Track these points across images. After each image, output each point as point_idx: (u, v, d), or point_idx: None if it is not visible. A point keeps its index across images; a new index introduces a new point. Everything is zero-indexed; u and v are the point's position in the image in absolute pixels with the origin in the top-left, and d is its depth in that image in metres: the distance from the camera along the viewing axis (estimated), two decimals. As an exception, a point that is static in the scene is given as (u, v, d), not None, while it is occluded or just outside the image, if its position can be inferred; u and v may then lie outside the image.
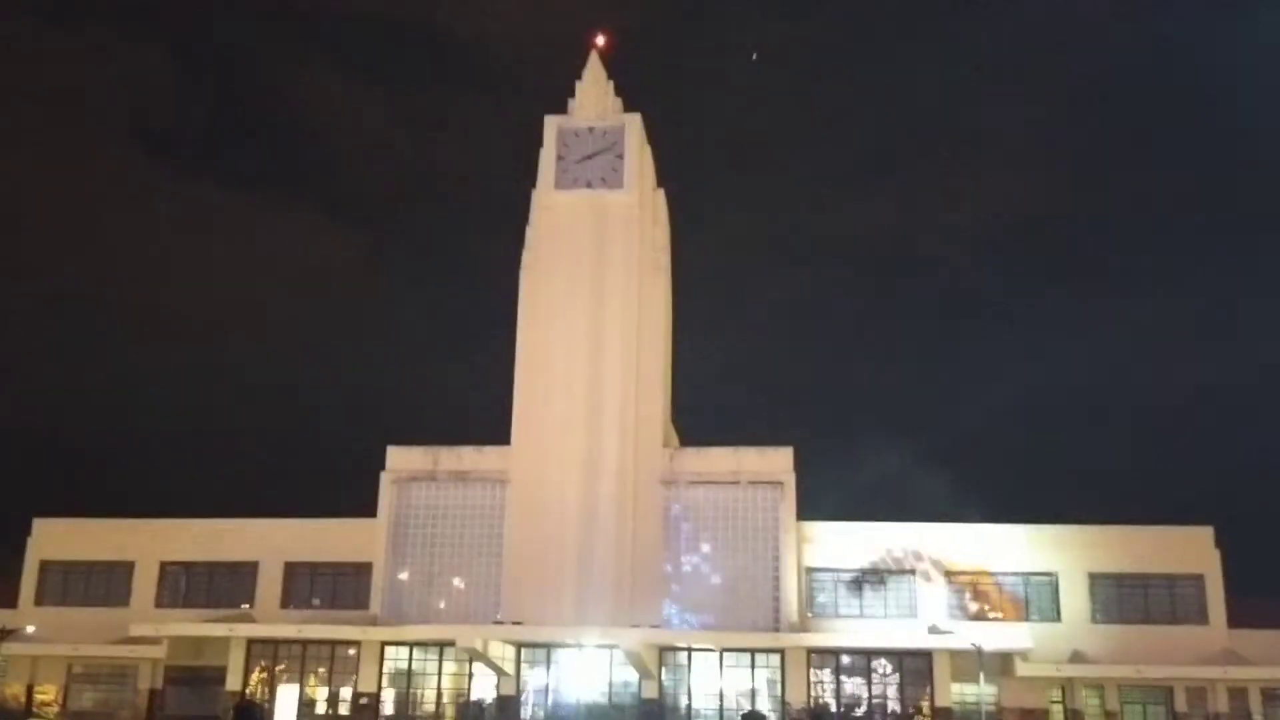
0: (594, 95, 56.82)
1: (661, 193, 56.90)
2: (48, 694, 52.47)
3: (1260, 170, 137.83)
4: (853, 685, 46.63)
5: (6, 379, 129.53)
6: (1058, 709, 48.12)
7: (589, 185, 54.72)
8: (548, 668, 47.63)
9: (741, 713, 45.33)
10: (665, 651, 46.95)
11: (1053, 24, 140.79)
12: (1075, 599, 50.28)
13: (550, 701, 47.29)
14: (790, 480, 50.86)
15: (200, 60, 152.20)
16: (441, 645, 47.40)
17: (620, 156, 54.99)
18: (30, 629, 51.56)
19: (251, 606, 52.95)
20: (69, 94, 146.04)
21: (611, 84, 57.22)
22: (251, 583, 53.39)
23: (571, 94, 57.16)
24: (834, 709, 45.86)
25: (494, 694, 47.16)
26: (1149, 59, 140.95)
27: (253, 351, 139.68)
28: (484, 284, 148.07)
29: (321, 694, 48.55)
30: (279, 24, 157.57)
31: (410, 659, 48.18)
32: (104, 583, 54.67)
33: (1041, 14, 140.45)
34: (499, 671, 46.66)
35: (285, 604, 52.89)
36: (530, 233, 54.74)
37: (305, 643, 48.54)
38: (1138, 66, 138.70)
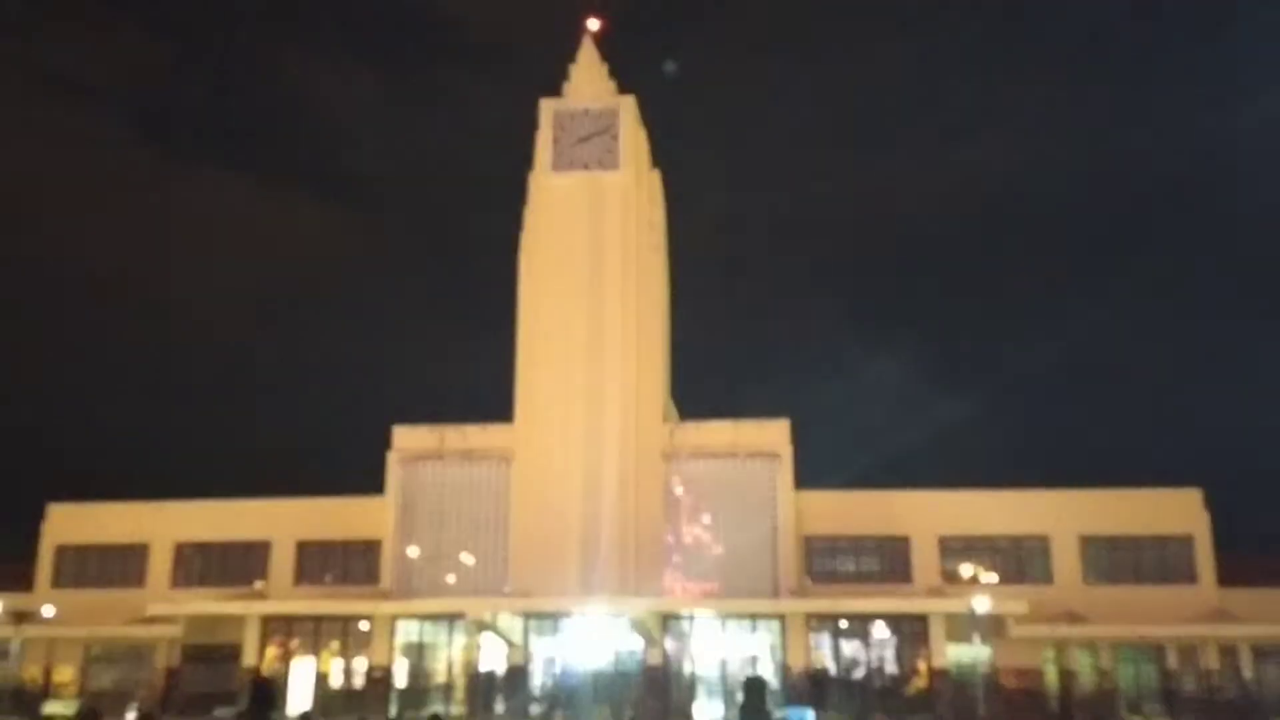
0: (588, 78, 57.57)
1: (657, 173, 57.68)
2: (66, 675, 53.30)
3: (1257, 155, 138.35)
4: (851, 648, 47.59)
5: (15, 366, 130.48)
6: (1051, 669, 49.20)
7: (585, 167, 55.52)
8: (555, 637, 48.60)
9: (743, 676, 46.34)
10: (668, 619, 47.94)
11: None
12: (1067, 561, 51.40)
13: (558, 670, 48.31)
14: (787, 451, 51.98)
15: (197, 43, 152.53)
16: (451, 618, 48.30)
17: (615, 138, 55.76)
18: (47, 612, 52.38)
19: (265, 584, 54.02)
20: (65, 79, 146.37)
21: (605, 66, 57.94)
22: (265, 561, 54.64)
23: (566, 77, 57.92)
24: (833, 672, 46.88)
25: (503, 664, 48.22)
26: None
27: (258, 333, 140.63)
28: (485, 265, 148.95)
29: (336, 667, 49.38)
30: (276, 6, 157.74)
31: (421, 632, 49.12)
32: (119, 564, 55.78)
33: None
34: (508, 642, 47.66)
35: (298, 581, 54.11)
36: (528, 214, 55.59)
37: (319, 618, 49.46)
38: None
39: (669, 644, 47.96)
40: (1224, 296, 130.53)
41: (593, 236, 54.49)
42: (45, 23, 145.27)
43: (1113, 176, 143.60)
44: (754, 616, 47.91)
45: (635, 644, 47.74)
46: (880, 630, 47.56)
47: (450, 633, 48.93)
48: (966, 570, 51.16)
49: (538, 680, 48.25)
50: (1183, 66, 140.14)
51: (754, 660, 47.31)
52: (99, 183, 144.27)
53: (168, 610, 50.68)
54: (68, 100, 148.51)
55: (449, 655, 48.99)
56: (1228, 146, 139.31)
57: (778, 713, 37.05)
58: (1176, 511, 51.65)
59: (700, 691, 47.36)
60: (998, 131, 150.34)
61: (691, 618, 48.18)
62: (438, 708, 47.40)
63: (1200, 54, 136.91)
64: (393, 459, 53.75)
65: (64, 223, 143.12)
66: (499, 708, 47.22)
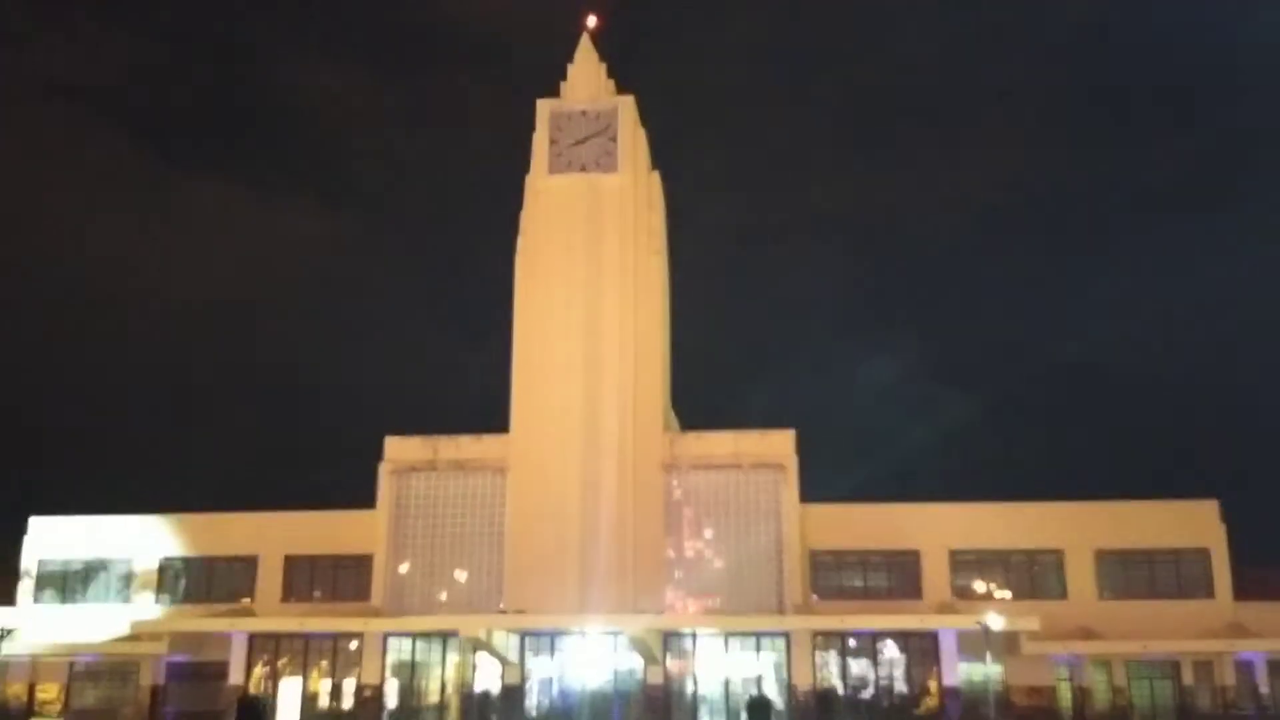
0: (586, 78, 56.40)
1: (656, 175, 56.42)
2: (49, 693, 52.17)
3: (1260, 149, 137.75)
4: (859, 667, 46.40)
5: (2, 375, 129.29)
6: (1065, 686, 48.19)
7: (583, 169, 54.29)
8: (552, 656, 47.36)
9: (747, 696, 45.19)
10: (669, 637, 46.70)
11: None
12: (1081, 576, 50.23)
13: (555, 690, 47.08)
14: (792, 463, 50.64)
15: (193, 46, 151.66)
16: (445, 635, 47.08)
17: (613, 139, 54.55)
18: (30, 628, 51.24)
19: (252, 600, 52.82)
20: (61, 83, 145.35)
21: (604, 66, 56.82)
22: (252, 576, 53.32)
23: (564, 77, 56.77)
24: (841, 691, 45.65)
25: (498, 683, 46.97)
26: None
27: (248, 343, 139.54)
28: (480, 270, 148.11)
29: (324, 687, 48.14)
30: (273, 10, 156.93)
31: (413, 650, 47.80)
32: (103, 580, 54.51)
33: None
34: (503, 661, 46.42)
35: (286, 597, 52.75)
36: (525, 218, 54.34)
37: (307, 636, 48.13)
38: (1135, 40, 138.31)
39: (670, 663, 46.74)
40: (1234, 301, 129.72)
41: (591, 240, 53.23)
42: (42, 27, 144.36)
43: (1113, 181, 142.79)
44: (758, 634, 46.61)
45: (635, 663, 46.58)
46: (889, 648, 46.32)
47: (443, 651, 47.64)
48: (978, 586, 50.09)
49: (534, 700, 46.98)
50: (1184, 68, 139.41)
51: (758, 679, 45.44)
52: (94, 187, 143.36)
53: (152, 627, 49.59)
54: (64, 104, 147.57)
55: (442, 674, 47.71)
56: (1229, 149, 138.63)
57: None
58: (1192, 524, 50.52)
59: (702, 712, 46.11)
60: (999, 135, 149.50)
61: (693, 635, 46.93)
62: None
63: (1202, 54, 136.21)
64: (384, 470, 52.42)
65: (58, 227, 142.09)
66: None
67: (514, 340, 52.59)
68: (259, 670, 48.05)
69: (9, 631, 48.54)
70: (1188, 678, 47.75)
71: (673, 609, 48.99)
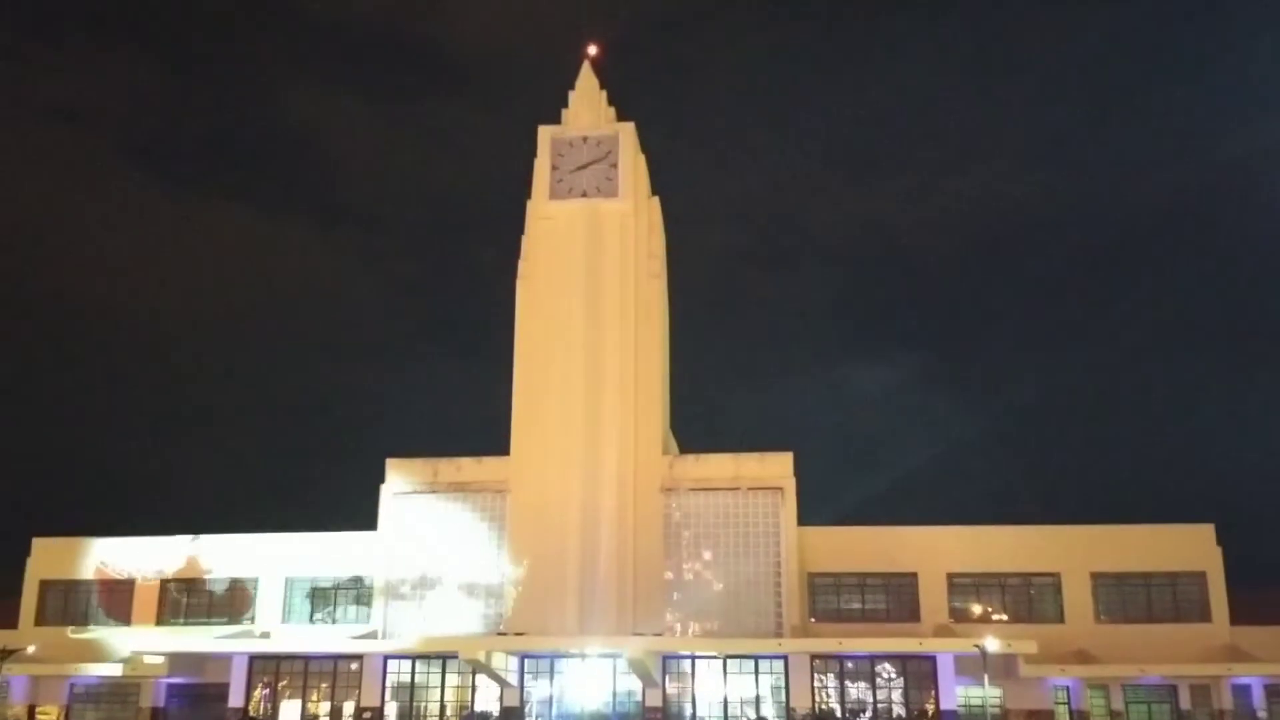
0: (587, 105, 56.97)
1: (656, 200, 56.92)
2: (50, 714, 52.19)
3: (1259, 166, 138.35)
4: (857, 690, 46.46)
5: (4, 398, 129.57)
6: (1063, 710, 48.18)
7: (584, 195, 54.83)
8: (551, 678, 47.46)
9: (745, 719, 45.44)
10: (668, 659, 46.81)
11: (1047, 19, 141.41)
12: (1078, 599, 50.46)
13: (554, 712, 47.12)
14: (790, 485, 50.86)
15: (197, 73, 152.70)
16: (444, 657, 47.24)
17: (614, 165, 55.12)
18: (31, 649, 51.30)
19: (253, 622, 52.97)
20: (63, 108, 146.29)
21: (604, 94, 57.36)
22: (252, 598, 53.54)
23: (565, 104, 57.31)
24: (839, 714, 45.72)
25: (497, 705, 47.03)
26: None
27: (250, 365, 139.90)
28: (482, 294, 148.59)
29: (324, 709, 48.19)
30: (275, 36, 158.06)
31: (413, 671, 47.93)
32: (105, 601, 54.67)
33: (1037, 11, 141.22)
34: (502, 683, 46.52)
35: (286, 619, 52.97)
36: (526, 242, 54.81)
37: (307, 658, 48.31)
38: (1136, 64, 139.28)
39: (668, 685, 46.81)
40: (1232, 327, 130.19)
41: (591, 264, 53.68)
42: (44, 52, 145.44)
43: (1112, 206, 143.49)
44: (757, 656, 46.68)
45: (634, 685, 46.65)
46: (887, 670, 46.40)
47: (443, 673, 47.76)
48: (975, 608, 50.24)
49: (533, 722, 47.07)
50: (1180, 96, 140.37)
51: (757, 702, 46.18)
52: (96, 213, 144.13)
53: (153, 648, 49.56)
54: (66, 130, 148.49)
55: (441, 696, 47.74)
56: (1226, 176, 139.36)
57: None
58: (1189, 548, 50.82)
59: (701, 734, 46.15)
60: (997, 161, 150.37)
61: (692, 658, 47.03)
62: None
63: (1197, 84, 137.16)
64: (386, 492, 52.63)
65: (59, 252, 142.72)
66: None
67: (515, 362, 52.95)
68: (259, 692, 48.16)
69: (11, 652, 48.55)
70: (1185, 702, 47.77)
71: (671, 631, 49.11)
